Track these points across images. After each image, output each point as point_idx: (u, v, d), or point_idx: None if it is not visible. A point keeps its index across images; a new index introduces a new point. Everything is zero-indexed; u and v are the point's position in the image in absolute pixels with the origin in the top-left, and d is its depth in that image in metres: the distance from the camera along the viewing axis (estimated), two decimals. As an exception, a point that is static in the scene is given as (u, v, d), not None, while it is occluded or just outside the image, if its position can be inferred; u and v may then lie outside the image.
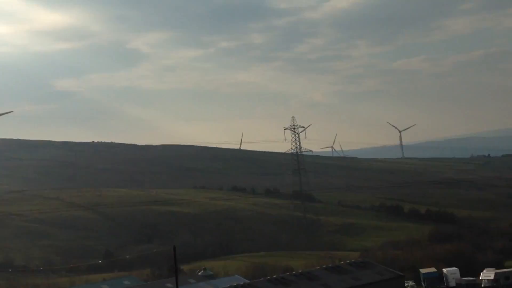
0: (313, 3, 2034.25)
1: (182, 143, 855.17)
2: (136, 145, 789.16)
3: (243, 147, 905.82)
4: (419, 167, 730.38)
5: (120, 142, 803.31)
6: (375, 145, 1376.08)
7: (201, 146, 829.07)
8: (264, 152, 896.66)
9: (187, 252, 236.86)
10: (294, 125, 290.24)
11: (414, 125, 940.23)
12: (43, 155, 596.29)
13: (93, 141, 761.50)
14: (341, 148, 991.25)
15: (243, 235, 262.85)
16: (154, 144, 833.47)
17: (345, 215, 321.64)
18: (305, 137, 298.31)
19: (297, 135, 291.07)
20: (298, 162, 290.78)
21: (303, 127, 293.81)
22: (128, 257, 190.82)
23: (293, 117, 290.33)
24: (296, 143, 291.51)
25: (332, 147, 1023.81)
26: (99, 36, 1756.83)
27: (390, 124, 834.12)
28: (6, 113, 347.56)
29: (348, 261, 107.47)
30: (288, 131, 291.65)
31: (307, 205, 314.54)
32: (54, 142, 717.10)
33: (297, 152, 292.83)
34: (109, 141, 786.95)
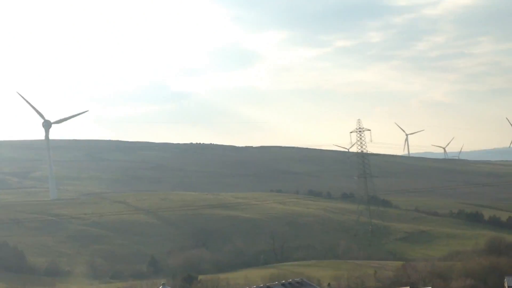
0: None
1: (285, 145, 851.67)
2: (235, 146, 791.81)
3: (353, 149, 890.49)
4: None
5: (220, 143, 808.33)
6: (497, 147, 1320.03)
7: (302, 148, 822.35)
8: (370, 154, 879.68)
9: (237, 260, 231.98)
10: (359, 128, 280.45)
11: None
12: (137, 157, 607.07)
13: (191, 143, 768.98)
14: (443, 149, 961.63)
15: (301, 242, 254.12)
16: (254, 145, 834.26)
17: (419, 222, 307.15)
18: (371, 140, 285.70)
19: (363, 138, 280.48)
20: (363, 166, 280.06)
21: (369, 130, 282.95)
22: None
23: (358, 119, 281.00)
24: (361, 146, 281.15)
25: (444, 148, 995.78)
26: (215, 36, 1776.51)
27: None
28: (83, 112, 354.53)
29: (283, 281, 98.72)
30: (354, 134, 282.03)
31: (380, 211, 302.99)
32: (152, 143, 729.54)
33: (362, 155, 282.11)
34: (209, 143, 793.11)
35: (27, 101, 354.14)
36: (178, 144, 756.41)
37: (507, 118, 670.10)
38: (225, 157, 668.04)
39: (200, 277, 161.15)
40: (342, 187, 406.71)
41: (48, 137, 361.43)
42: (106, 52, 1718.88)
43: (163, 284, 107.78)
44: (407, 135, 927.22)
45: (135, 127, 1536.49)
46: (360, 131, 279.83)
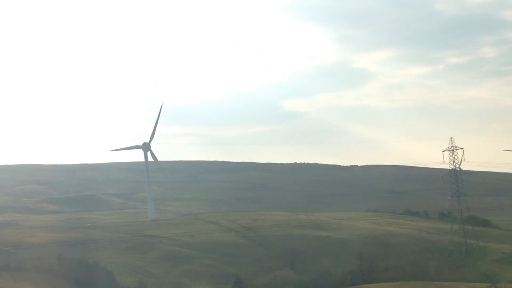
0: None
1: (393, 164, 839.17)
2: (339, 165, 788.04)
3: (468, 168, 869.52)
4: None
5: (325, 163, 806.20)
6: None
7: (408, 166, 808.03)
8: (480, 172, 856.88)
9: (323, 280, 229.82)
10: (452, 146, 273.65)
11: None
12: (239, 177, 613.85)
13: (295, 163, 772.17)
14: None
15: (391, 262, 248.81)
16: (359, 164, 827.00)
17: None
18: (464, 159, 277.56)
19: (455, 157, 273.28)
20: (457, 185, 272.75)
21: (461, 148, 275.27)
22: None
23: (451, 138, 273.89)
24: (454, 165, 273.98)
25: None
26: (325, 56, 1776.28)
27: None
28: (158, 115, 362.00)
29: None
30: (446, 153, 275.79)
31: (476, 231, 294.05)
32: (257, 164, 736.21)
33: (455, 175, 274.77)
34: (313, 162, 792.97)
35: (122, 149, 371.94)
36: (283, 164, 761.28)
37: None
38: (328, 177, 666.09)
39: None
40: (441, 207, 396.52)
41: (147, 159, 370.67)
42: (218, 74, 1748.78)
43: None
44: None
45: (243, 148, 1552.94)
46: (452, 150, 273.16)
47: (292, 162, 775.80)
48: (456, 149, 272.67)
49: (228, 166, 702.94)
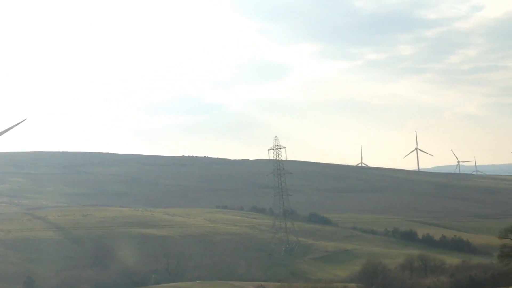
0: (463, 13, 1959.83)
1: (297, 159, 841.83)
2: (228, 159, 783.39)
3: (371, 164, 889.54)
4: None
5: (215, 156, 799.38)
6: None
7: (304, 162, 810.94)
8: (381, 168, 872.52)
9: (126, 280, 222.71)
10: (276, 145, 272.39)
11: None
12: (116, 170, 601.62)
13: (183, 155, 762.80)
14: (460, 163, 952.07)
15: (204, 261, 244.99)
16: (250, 158, 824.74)
17: (350, 240, 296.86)
18: (286, 158, 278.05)
19: (279, 156, 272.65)
20: (280, 184, 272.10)
21: (284, 147, 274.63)
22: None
23: (275, 137, 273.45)
24: (278, 164, 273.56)
25: (458, 162, 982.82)
26: (245, 49, 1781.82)
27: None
28: (21, 122, 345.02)
29: None
30: (271, 152, 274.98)
31: (311, 229, 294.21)
32: (141, 156, 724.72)
33: (279, 173, 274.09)
34: (202, 156, 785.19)
35: None
36: (170, 157, 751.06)
37: None
38: (212, 171, 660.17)
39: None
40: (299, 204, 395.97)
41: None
42: (136, 65, 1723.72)
43: None
44: (416, 148, 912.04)
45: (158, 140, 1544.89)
46: (276, 149, 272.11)
47: (180, 155, 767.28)
48: (280, 148, 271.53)
49: (111, 158, 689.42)
